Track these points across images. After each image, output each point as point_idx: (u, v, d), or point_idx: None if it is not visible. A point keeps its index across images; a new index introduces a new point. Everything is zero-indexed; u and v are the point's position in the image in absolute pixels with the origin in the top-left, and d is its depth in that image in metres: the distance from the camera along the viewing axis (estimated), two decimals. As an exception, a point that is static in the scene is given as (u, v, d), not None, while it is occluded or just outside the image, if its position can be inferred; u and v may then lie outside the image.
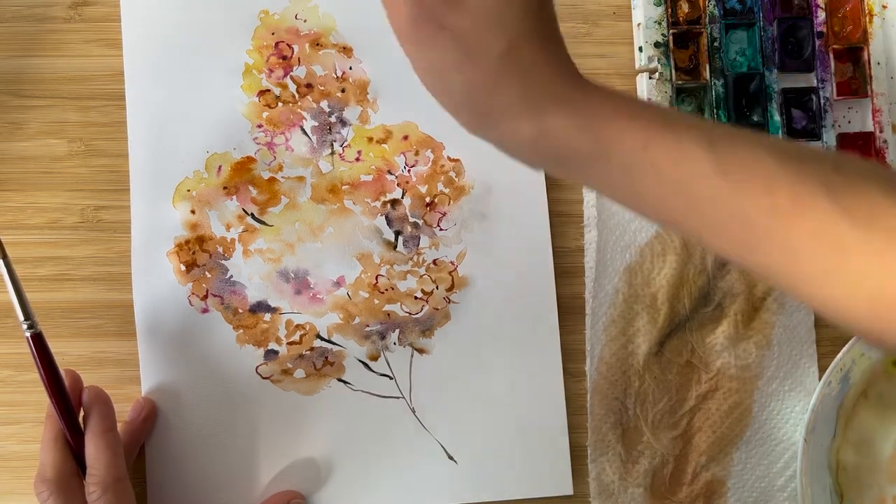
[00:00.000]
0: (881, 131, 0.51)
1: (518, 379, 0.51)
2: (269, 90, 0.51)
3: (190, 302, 0.50)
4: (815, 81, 0.51)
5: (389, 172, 0.51)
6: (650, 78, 0.51)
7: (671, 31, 0.51)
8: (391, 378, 0.50)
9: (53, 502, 0.42)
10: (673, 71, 0.51)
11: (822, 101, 0.51)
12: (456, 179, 0.52)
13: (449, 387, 0.50)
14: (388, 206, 0.51)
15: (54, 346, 0.49)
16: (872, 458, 0.50)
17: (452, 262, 0.51)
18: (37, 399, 0.49)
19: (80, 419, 0.45)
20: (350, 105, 0.52)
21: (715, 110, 0.51)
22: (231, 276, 0.50)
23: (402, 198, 0.51)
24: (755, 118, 0.51)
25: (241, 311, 0.50)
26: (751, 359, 0.51)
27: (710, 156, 0.32)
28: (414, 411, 0.50)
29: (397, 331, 0.51)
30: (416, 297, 0.51)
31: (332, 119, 0.51)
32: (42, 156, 0.51)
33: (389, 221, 0.51)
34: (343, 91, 0.52)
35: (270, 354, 0.50)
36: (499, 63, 0.33)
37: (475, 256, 0.51)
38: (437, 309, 0.51)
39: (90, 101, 0.51)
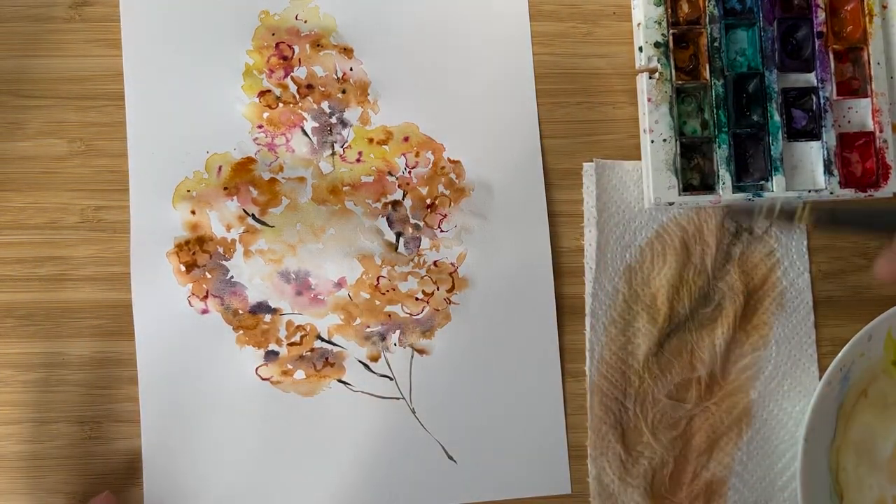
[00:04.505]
0: (881, 131, 0.51)
1: (518, 379, 0.51)
2: (269, 91, 0.51)
3: (189, 303, 0.50)
4: (815, 81, 0.51)
5: (390, 174, 0.51)
6: (650, 78, 0.51)
7: (671, 31, 0.51)
8: (391, 379, 0.50)
9: None
10: (673, 71, 0.51)
11: (822, 101, 0.51)
12: (456, 181, 0.52)
13: (449, 387, 0.51)
14: (389, 207, 0.51)
15: (54, 346, 0.49)
16: (872, 458, 0.50)
17: (453, 264, 0.51)
18: (37, 399, 0.49)
19: None
20: (351, 106, 0.52)
21: (715, 110, 0.51)
22: (231, 277, 0.50)
23: (403, 199, 0.51)
24: (755, 118, 0.51)
25: (241, 311, 0.50)
26: (750, 359, 0.51)
27: None
28: (414, 412, 0.50)
29: (398, 331, 0.51)
30: (416, 298, 0.51)
31: (333, 120, 0.51)
32: (42, 156, 0.51)
33: (390, 223, 0.51)
34: (344, 92, 0.52)
35: (270, 355, 0.50)
36: None
37: (475, 257, 0.51)
38: (438, 310, 0.51)
39: (90, 101, 0.51)
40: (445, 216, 0.51)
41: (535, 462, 0.50)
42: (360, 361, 0.51)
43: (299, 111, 0.51)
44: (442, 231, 0.51)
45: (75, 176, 0.51)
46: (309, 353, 0.50)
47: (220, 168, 0.51)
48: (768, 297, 0.52)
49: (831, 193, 0.50)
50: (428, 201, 0.51)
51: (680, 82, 0.51)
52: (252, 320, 0.50)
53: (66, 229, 0.50)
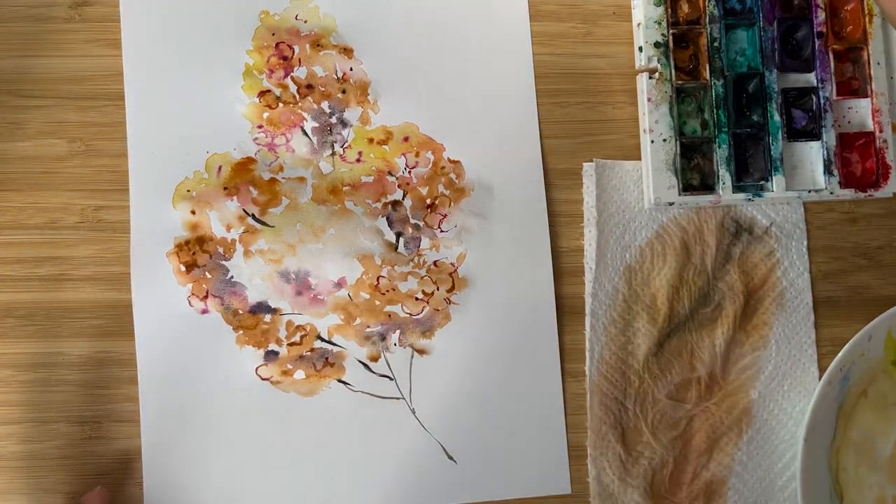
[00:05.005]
0: (881, 131, 0.51)
1: (517, 379, 0.51)
2: (269, 91, 0.51)
3: (189, 303, 0.50)
4: (815, 81, 0.51)
5: (390, 174, 0.51)
6: (650, 78, 0.51)
7: (671, 31, 0.51)
8: (391, 379, 0.50)
9: None
10: (673, 71, 0.51)
11: (822, 101, 0.51)
12: (456, 181, 0.52)
13: (449, 387, 0.51)
14: (389, 207, 0.51)
15: (54, 346, 0.49)
16: (872, 458, 0.50)
17: (453, 264, 0.51)
18: (37, 399, 0.49)
19: None
20: (351, 106, 0.52)
21: (715, 110, 0.51)
22: (231, 277, 0.50)
23: (403, 199, 0.51)
24: (755, 118, 0.51)
25: (241, 311, 0.50)
26: (750, 359, 0.51)
27: None
28: (414, 412, 0.50)
29: (398, 331, 0.51)
30: (416, 298, 0.51)
31: (333, 120, 0.51)
32: (42, 156, 0.51)
33: (390, 223, 0.51)
34: (344, 92, 0.52)
35: (270, 355, 0.50)
36: None
37: (475, 257, 0.51)
38: (438, 310, 0.51)
39: (90, 101, 0.51)
40: (445, 216, 0.51)
41: (535, 462, 0.50)
42: (360, 361, 0.51)
43: (299, 111, 0.51)
44: (442, 231, 0.51)
45: (75, 176, 0.51)
46: (309, 353, 0.50)
47: (220, 168, 0.51)
48: (768, 297, 0.52)
49: (831, 193, 0.50)
50: (428, 201, 0.51)
51: (680, 82, 0.51)
52: (252, 320, 0.50)
53: (66, 229, 0.50)
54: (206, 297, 0.50)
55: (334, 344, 0.50)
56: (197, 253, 0.50)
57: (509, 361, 0.51)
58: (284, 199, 0.51)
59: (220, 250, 0.50)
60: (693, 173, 0.51)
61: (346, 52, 0.52)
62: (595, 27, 0.53)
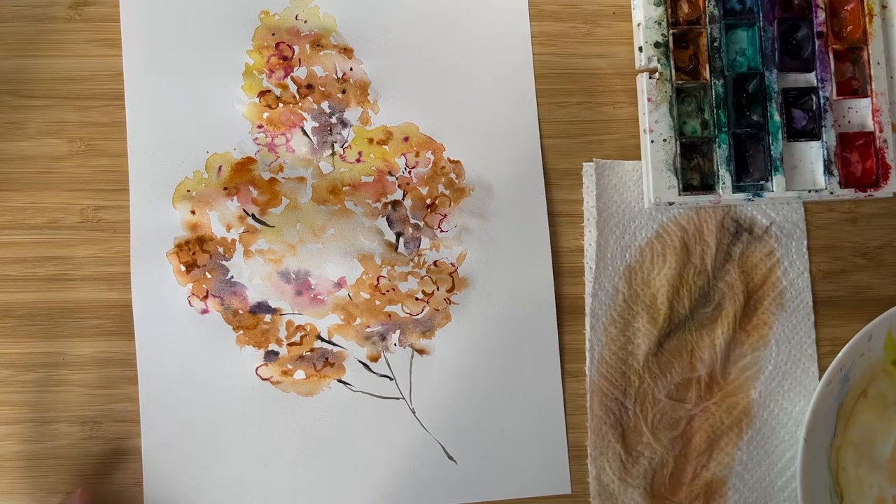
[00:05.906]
0: (881, 131, 0.51)
1: (517, 379, 0.51)
2: (269, 91, 0.51)
3: (189, 303, 0.50)
4: (815, 81, 0.51)
5: (390, 174, 0.51)
6: (650, 78, 0.51)
7: (671, 31, 0.51)
8: (391, 379, 0.50)
9: None
10: (673, 71, 0.51)
11: (822, 101, 0.51)
12: (456, 181, 0.52)
13: (449, 387, 0.51)
14: (389, 207, 0.51)
15: (54, 346, 0.49)
16: (872, 458, 0.50)
17: (453, 264, 0.51)
18: (37, 399, 0.49)
19: None
20: (351, 106, 0.52)
21: (715, 110, 0.51)
22: (231, 277, 0.50)
23: (403, 199, 0.51)
24: (755, 118, 0.51)
25: (241, 311, 0.50)
26: (750, 359, 0.51)
27: None
28: (414, 412, 0.50)
29: (398, 331, 0.51)
30: (416, 298, 0.51)
31: (333, 120, 0.51)
32: (42, 156, 0.51)
33: (390, 223, 0.51)
34: (344, 92, 0.52)
35: (270, 355, 0.50)
36: None
37: (475, 257, 0.51)
38: (438, 310, 0.51)
39: (90, 101, 0.51)
40: (445, 216, 0.51)
41: (535, 462, 0.50)
42: (360, 361, 0.51)
43: (299, 111, 0.51)
44: (442, 231, 0.51)
45: (75, 176, 0.51)
46: (309, 353, 0.50)
47: (220, 168, 0.51)
48: (768, 297, 0.52)
49: (831, 193, 0.50)
50: (428, 201, 0.51)
51: (680, 82, 0.51)
52: (252, 320, 0.50)
53: (66, 229, 0.50)
54: (206, 297, 0.50)
55: (334, 344, 0.50)
56: (197, 253, 0.50)
57: (509, 361, 0.51)
58: (284, 199, 0.51)
59: (220, 250, 0.50)
60: (693, 173, 0.51)
61: (346, 52, 0.52)
62: (595, 27, 0.53)
